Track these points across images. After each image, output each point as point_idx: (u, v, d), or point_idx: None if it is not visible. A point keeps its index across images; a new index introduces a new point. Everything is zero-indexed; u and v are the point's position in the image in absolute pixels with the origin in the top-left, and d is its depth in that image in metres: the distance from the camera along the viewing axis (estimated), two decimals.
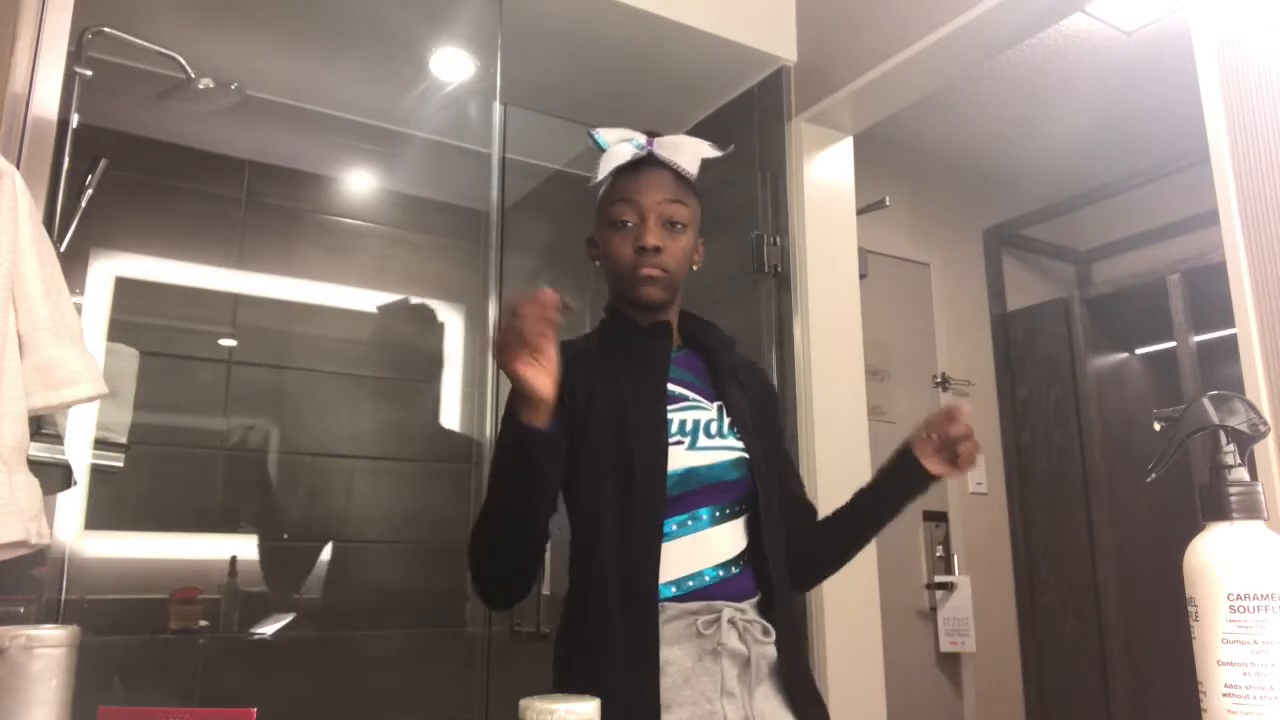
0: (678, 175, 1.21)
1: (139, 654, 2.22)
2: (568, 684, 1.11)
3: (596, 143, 1.22)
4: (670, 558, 1.11)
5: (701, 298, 1.46)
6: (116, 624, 2.26)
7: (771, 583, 1.16)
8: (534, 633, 2.17)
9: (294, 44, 2.42)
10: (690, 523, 1.14)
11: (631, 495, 1.11)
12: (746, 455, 1.19)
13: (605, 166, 1.20)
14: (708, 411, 1.21)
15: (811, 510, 1.32)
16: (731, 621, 1.11)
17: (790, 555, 1.22)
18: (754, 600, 1.16)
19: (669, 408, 1.18)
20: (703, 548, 1.14)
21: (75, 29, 1.44)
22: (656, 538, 1.10)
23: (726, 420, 1.21)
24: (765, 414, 1.30)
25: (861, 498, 1.24)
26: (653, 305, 1.21)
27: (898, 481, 1.21)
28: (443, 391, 2.92)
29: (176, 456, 2.48)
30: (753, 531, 1.18)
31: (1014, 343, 3.20)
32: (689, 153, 1.22)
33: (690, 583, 1.12)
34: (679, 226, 1.20)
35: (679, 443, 1.15)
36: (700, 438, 1.17)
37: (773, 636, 1.13)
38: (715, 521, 1.16)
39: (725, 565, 1.15)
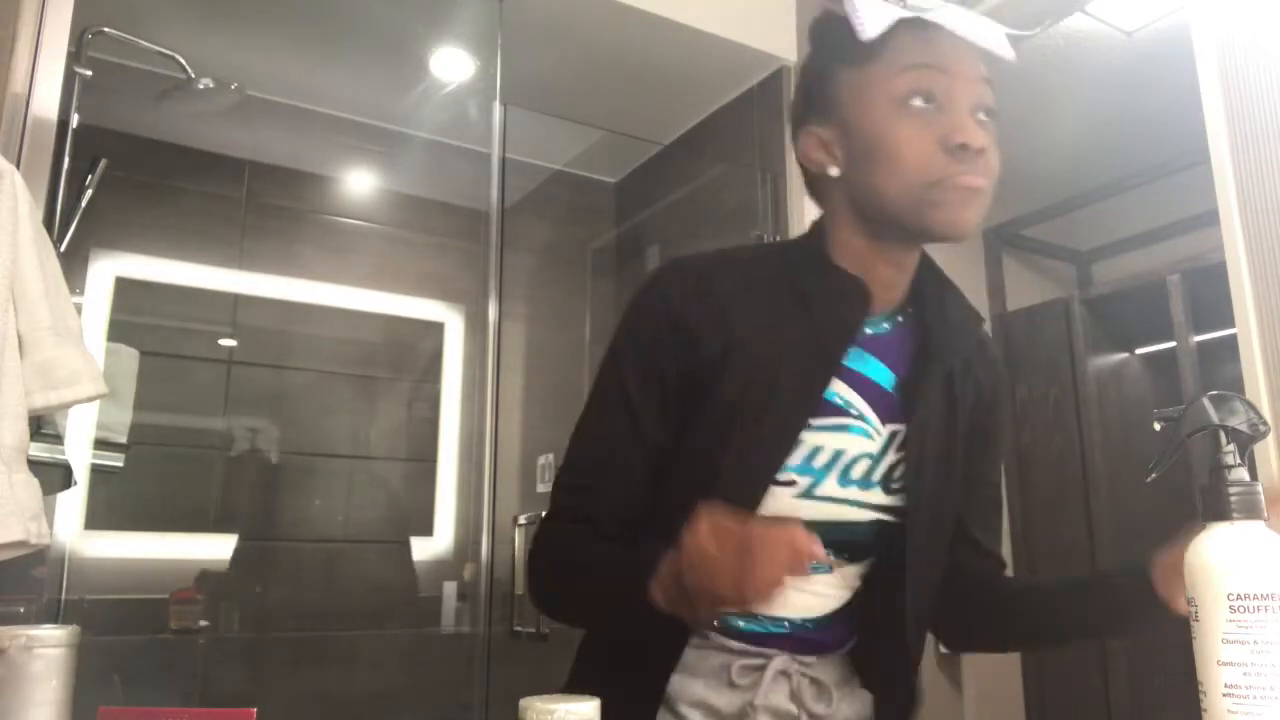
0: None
1: (139, 654, 2.22)
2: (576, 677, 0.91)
3: None
4: None
5: None
6: (116, 624, 2.26)
7: (895, 668, 0.88)
8: (534, 633, 2.17)
9: (294, 44, 2.42)
10: None
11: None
12: (896, 520, 0.85)
13: (875, 14, 0.81)
14: (868, 440, 0.85)
15: (990, 563, 0.97)
16: (785, 674, 0.84)
17: (948, 608, 0.92)
18: (835, 654, 0.88)
19: (812, 421, 0.82)
20: (797, 596, 0.85)
21: (75, 29, 1.44)
22: None
23: (890, 459, 0.85)
24: (978, 439, 0.92)
25: (1067, 599, 0.89)
26: (959, 237, 0.81)
27: (1117, 605, 0.83)
28: (443, 391, 2.92)
29: (176, 456, 2.48)
30: (877, 585, 0.88)
31: (1014, 343, 3.19)
32: (992, 31, 0.83)
33: (769, 625, 0.85)
34: (989, 122, 0.82)
35: (788, 484, 0.82)
36: (828, 483, 0.83)
37: (831, 704, 0.85)
38: (832, 567, 0.87)
39: (823, 618, 0.87)
